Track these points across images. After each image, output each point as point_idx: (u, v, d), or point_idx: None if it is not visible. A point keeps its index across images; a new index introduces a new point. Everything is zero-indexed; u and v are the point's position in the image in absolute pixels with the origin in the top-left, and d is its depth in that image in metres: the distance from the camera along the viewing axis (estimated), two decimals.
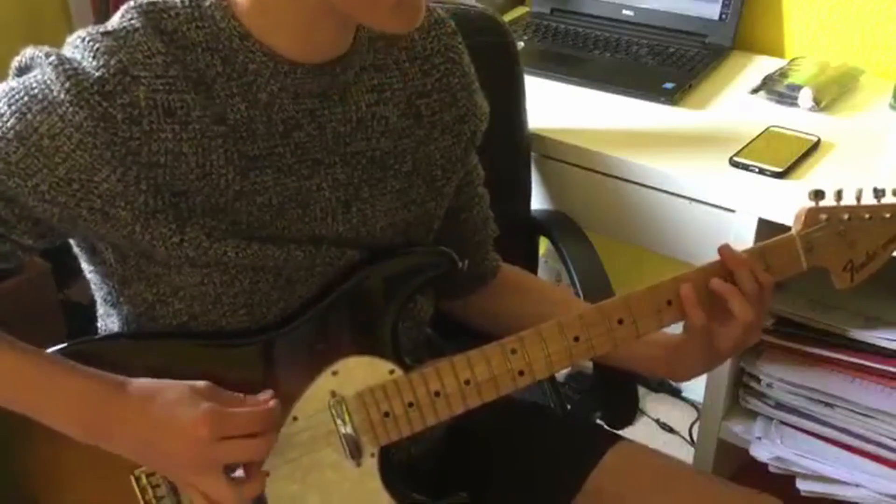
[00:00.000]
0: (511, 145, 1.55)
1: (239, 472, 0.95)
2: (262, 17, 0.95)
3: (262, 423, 0.95)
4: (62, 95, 0.90)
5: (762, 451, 1.70)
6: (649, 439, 2.10)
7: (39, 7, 2.03)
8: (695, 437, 2.08)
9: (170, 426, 0.93)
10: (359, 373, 1.03)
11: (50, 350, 1.01)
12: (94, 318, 1.13)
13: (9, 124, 0.92)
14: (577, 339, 1.03)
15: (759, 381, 1.68)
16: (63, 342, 1.03)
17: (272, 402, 0.96)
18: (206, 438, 0.92)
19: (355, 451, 1.03)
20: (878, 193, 1.05)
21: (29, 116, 0.91)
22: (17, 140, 0.91)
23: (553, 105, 1.73)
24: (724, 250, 1.04)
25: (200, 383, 0.95)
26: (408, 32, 1.00)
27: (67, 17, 2.08)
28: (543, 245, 1.70)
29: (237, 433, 0.93)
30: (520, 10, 2.09)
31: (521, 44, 1.85)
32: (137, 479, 1.02)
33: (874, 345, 1.56)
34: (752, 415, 1.73)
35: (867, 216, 1.05)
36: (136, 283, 1.01)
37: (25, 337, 0.97)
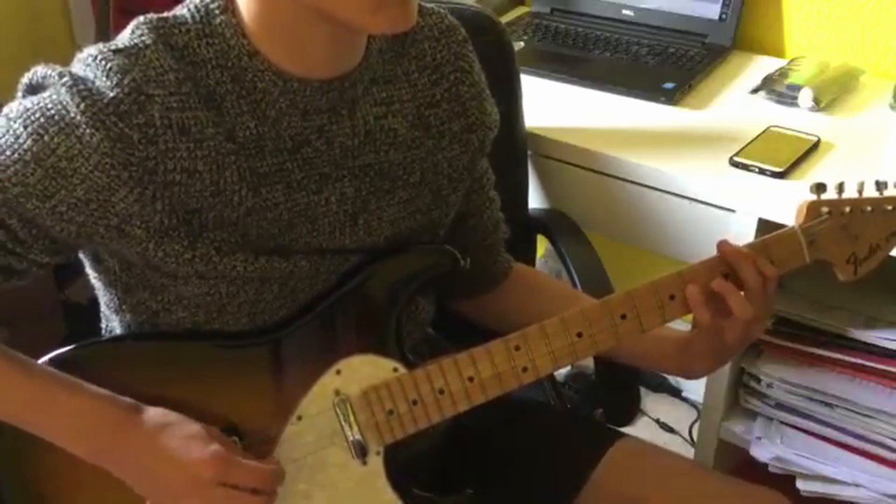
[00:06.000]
0: (508, 144, 1.54)
1: None
2: (264, 34, 0.94)
3: (265, 481, 0.96)
4: (78, 117, 0.89)
5: (762, 451, 1.70)
6: (649, 439, 2.08)
7: (39, 12, 2.03)
8: (695, 437, 2.08)
9: (175, 460, 0.93)
10: (362, 371, 1.03)
11: (57, 352, 1.01)
12: (94, 319, 1.13)
13: (26, 146, 0.91)
14: (580, 334, 1.03)
15: (759, 381, 1.68)
16: (63, 342, 1.02)
17: (277, 467, 0.98)
18: (208, 479, 0.92)
19: (360, 450, 1.03)
20: (881, 186, 1.04)
21: (46, 138, 0.90)
22: (35, 162, 0.91)
23: (553, 105, 1.73)
24: (724, 246, 1.03)
25: (214, 429, 0.96)
26: (400, 33, 0.97)
27: (68, 20, 2.08)
28: (543, 245, 1.70)
29: (240, 483, 0.94)
30: (520, 10, 2.09)
31: (521, 44, 1.85)
32: None
33: (874, 345, 1.56)
34: (752, 415, 1.73)
35: (869, 209, 1.05)
36: (140, 292, 1.02)
37: (25, 337, 0.97)
